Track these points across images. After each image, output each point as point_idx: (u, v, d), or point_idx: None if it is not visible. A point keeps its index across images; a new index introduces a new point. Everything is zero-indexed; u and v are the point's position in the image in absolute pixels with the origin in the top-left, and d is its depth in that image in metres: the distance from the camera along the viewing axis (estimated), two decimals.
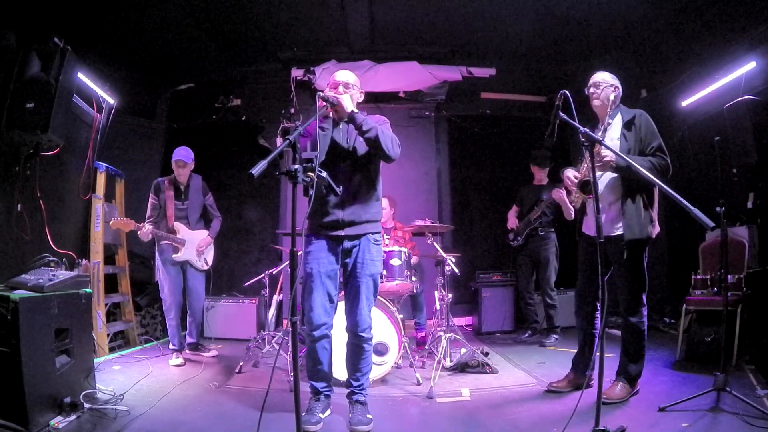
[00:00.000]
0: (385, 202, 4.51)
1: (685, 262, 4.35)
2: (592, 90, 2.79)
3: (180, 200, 4.01)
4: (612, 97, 2.75)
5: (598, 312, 2.77)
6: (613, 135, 2.72)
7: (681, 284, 4.23)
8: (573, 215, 2.99)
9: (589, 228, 2.84)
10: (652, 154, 2.61)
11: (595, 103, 2.79)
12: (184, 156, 3.95)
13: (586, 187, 2.65)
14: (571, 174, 2.79)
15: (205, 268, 4.13)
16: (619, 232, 2.69)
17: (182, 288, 4.01)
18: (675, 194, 1.92)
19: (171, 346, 3.95)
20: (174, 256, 3.91)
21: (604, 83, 2.77)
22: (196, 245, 4.02)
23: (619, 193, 2.70)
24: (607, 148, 2.38)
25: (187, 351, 4.12)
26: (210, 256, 4.18)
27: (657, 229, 2.69)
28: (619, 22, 4.36)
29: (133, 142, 5.38)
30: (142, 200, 4.90)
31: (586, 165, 2.66)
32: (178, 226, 3.96)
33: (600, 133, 2.68)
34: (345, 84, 2.60)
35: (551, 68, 5.56)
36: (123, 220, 3.76)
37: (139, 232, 3.72)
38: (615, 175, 2.71)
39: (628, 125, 2.71)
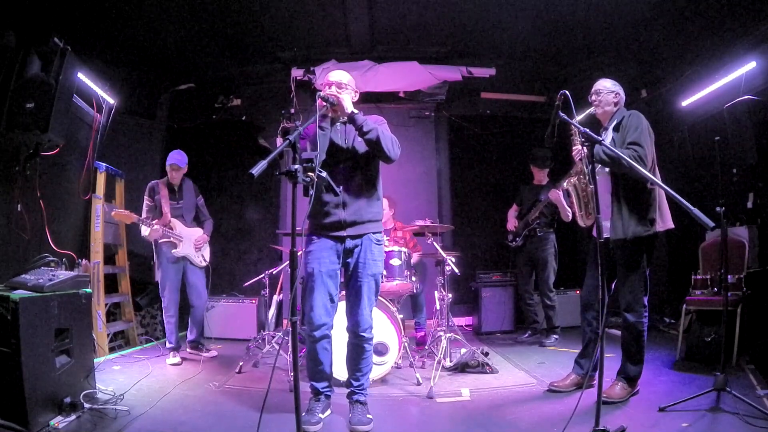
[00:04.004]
0: (384, 202, 4.51)
1: (685, 262, 4.35)
2: (593, 98, 2.88)
3: (174, 200, 4.09)
4: (613, 103, 2.83)
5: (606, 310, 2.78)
6: (607, 139, 2.76)
7: (681, 284, 4.23)
8: (570, 216, 3.00)
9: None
10: (626, 147, 2.62)
11: (597, 110, 2.86)
12: (178, 160, 4.05)
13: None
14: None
15: (204, 264, 4.18)
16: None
17: (180, 286, 4.06)
18: (675, 194, 1.92)
19: (168, 344, 3.97)
20: (173, 251, 3.96)
21: (605, 90, 2.85)
22: (193, 241, 4.08)
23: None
24: (606, 146, 2.38)
25: (188, 350, 4.13)
26: (207, 253, 4.23)
27: (655, 227, 2.65)
28: (619, 22, 4.35)
29: (133, 142, 5.37)
30: (143, 200, 4.90)
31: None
32: (175, 222, 4.01)
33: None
34: (338, 84, 2.58)
35: (551, 68, 5.56)
36: (124, 212, 3.81)
37: (148, 231, 3.82)
38: (608, 177, 2.72)
39: (617, 127, 2.76)
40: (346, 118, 2.50)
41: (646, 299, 2.71)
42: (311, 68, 4.73)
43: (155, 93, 5.68)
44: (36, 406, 2.26)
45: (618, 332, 3.15)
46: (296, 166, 1.93)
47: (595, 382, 2.14)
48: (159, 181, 4.09)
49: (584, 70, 5.20)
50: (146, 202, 4.01)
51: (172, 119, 5.83)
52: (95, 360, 3.17)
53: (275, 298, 4.26)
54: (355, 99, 2.64)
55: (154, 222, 3.85)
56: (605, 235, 2.67)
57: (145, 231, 3.86)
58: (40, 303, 2.41)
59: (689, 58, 4.60)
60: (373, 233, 2.60)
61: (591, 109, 2.88)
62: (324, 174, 2.14)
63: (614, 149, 2.34)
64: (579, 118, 2.61)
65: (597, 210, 2.19)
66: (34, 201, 3.50)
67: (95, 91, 4.30)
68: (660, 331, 4.69)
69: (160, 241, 3.96)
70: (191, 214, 4.17)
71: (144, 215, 3.94)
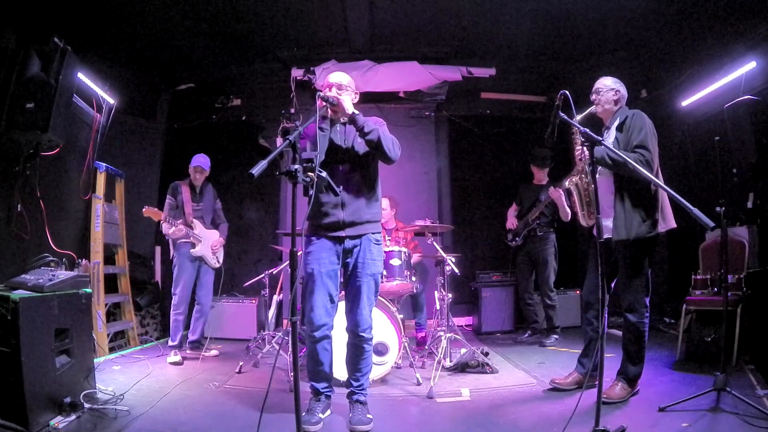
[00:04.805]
0: (386, 202, 4.52)
1: (685, 262, 4.34)
2: (594, 96, 2.87)
3: (196, 201, 4.18)
4: (613, 101, 2.81)
5: (607, 310, 2.79)
6: (610, 139, 2.75)
7: (681, 284, 4.23)
8: (569, 216, 3.00)
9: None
10: (632, 151, 2.61)
11: (597, 109, 2.85)
12: (203, 163, 4.20)
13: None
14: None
15: (217, 265, 4.28)
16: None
17: (194, 285, 4.12)
18: (675, 194, 1.93)
19: (170, 343, 3.97)
20: (192, 251, 4.05)
21: (605, 88, 2.84)
22: (210, 243, 4.18)
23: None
24: (610, 149, 2.38)
25: (188, 350, 4.13)
26: (221, 255, 4.33)
27: (658, 229, 2.65)
28: (619, 22, 4.35)
29: (133, 142, 5.38)
30: (142, 200, 4.90)
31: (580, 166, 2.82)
32: (196, 223, 4.11)
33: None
34: (338, 85, 2.59)
35: (551, 68, 5.55)
36: (153, 209, 3.86)
37: (172, 229, 3.90)
38: (610, 178, 2.72)
39: (620, 127, 2.75)
40: (346, 119, 2.50)
41: (647, 300, 2.70)
42: (311, 68, 4.73)
43: (155, 93, 5.69)
44: (36, 406, 2.26)
45: (619, 332, 3.15)
46: (296, 166, 1.93)
47: (596, 381, 2.14)
48: (181, 182, 4.18)
49: (584, 70, 5.19)
50: (168, 201, 4.09)
51: (172, 119, 5.83)
52: (95, 360, 3.17)
53: (275, 298, 4.27)
54: (356, 100, 2.64)
55: (179, 221, 3.95)
56: (606, 235, 2.67)
57: (167, 229, 3.92)
58: (40, 303, 2.41)
59: (689, 58, 4.60)
60: (372, 233, 2.61)
61: (592, 108, 2.86)
62: (324, 174, 2.14)
63: (619, 152, 2.33)
64: (579, 117, 2.61)
65: (597, 210, 2.20)
66: (34, 201, 3.50)
67: (95, 91, 4.31)
68: (660, 331, 4.69)
69: (179, 241, 4.04)
70: (210, 216, 4.29)
71: (165, 213, 4.00)
